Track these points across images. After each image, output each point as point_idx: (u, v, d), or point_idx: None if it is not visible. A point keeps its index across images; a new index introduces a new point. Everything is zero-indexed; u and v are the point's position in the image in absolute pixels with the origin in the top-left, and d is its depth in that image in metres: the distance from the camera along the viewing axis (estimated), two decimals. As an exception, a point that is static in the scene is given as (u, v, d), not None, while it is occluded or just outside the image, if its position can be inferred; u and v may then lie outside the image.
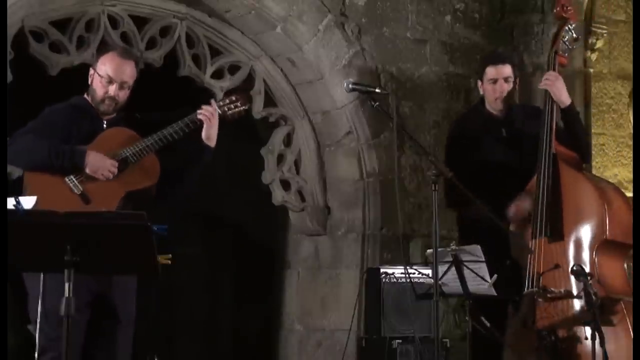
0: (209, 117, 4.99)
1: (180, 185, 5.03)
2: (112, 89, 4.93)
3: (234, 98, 5.16)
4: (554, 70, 5.55)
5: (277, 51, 6.90)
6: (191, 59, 6.75)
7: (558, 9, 5.67)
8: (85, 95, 5.02)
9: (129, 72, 4.99)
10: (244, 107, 5.16)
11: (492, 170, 5.63)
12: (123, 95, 4.98)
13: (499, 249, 5.26)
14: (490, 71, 5.74)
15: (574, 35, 5.65)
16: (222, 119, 5.08)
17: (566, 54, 5.64)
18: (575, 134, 5.59)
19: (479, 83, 5.83)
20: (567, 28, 5.62)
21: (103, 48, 5.18)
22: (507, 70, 5.75)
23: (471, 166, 5.59)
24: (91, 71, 5.01)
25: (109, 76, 4.93)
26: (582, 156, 5.61)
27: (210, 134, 5.02)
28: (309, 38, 6.78)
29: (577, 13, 5.84)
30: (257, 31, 6.81)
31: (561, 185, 5.34)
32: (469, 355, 5.07)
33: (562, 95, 5.51)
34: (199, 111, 5.02)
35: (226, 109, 5.10)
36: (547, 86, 5.50)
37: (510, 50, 7.07)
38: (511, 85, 5.74)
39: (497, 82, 5.72)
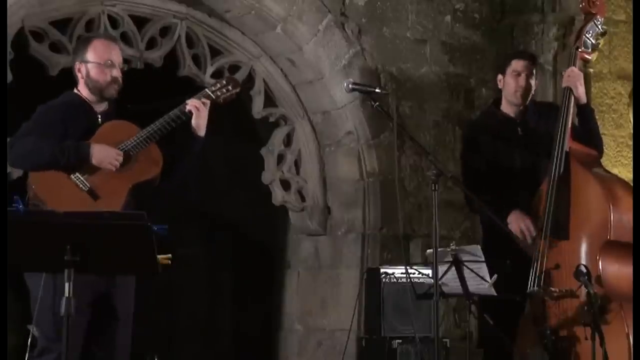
0: (197, 106, 4.98)
1: (173, 174, 5.00)
2: (115, 71, 4.92)
3: (224, 82, 5.11)
4: (574, 66, 5.48)
5: (277, 51, 6.90)
6: (191, 59, 6.75)
7: (584, 4, 5.53)
8: (75, 90, 4.97)
9: (119, 54, 5.03)
10: (235, 91, 5.11)
11: (509, 170, 5.62)
12: (120, 77, 4.96)
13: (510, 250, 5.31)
14: (516, 64, 5.71)
15: (601, 29, 5.54)
16: (215, 104, 5.06)
17: (590, 49, 5.53)
18: (592, 130, 5.57)
19: (499, 77, 5.74)
20: (593, 23, 5.50)
21: (83, 40, 5.11)
22: (531, 67, 5.73)
23: (488, 167, 5.61)
24: (78, 65, 4.94)
25: (110, 60, 4.91)
26: (599, 151, 5.58)
27: (199, 124, 4.99)
28: (309, 38, 6.78)
29: (605, 6, 5.66)
30: (257, 31, 6.81)
31: (571, 184, 5.30)
32: (469, 355, 5.07)
33: (582, 92, 5.48)
34: (187, 101, 5.00)
35: (219, 94, 5.06)
36: (569, 83, 5.45)
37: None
38: (531, 85, 5.70)
39: (520, 75, 5.67)
